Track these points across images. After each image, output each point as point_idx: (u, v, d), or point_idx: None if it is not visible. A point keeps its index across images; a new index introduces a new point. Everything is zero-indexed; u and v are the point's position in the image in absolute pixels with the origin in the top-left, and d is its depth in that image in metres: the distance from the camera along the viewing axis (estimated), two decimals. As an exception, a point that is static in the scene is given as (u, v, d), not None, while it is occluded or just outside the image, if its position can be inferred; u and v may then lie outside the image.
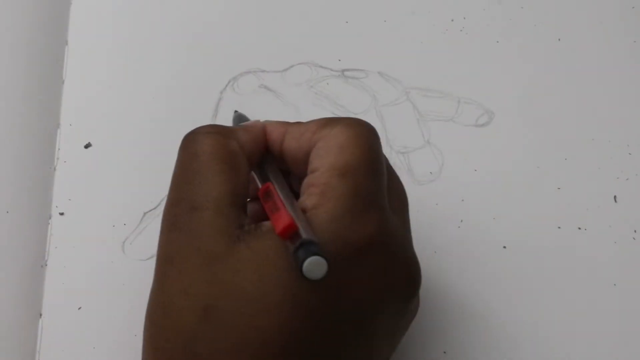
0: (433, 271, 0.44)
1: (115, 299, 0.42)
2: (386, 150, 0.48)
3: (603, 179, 0.48)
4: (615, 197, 0.47)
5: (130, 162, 0.46)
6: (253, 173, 0.36)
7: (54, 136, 0.47)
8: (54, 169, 0.46)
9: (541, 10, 0.53)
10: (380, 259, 0.32)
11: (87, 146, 0.47)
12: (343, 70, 0.50)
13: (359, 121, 0.34)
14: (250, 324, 0.29)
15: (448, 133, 0.48)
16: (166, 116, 0.48)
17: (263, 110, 0.48)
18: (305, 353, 0.30)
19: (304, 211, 0.31)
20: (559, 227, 0.46)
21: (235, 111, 0.45)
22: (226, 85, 0.49)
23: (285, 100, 0.49)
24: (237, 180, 0.33)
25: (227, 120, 0.48)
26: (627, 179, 0.48)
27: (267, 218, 0.33)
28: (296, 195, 0.34)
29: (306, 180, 0.33)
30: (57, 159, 0.46)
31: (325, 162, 0.33)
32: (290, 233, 0.30)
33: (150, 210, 0.45)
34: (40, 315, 0.42)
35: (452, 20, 0.52)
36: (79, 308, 0.42)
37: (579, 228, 0.46)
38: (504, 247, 0.45)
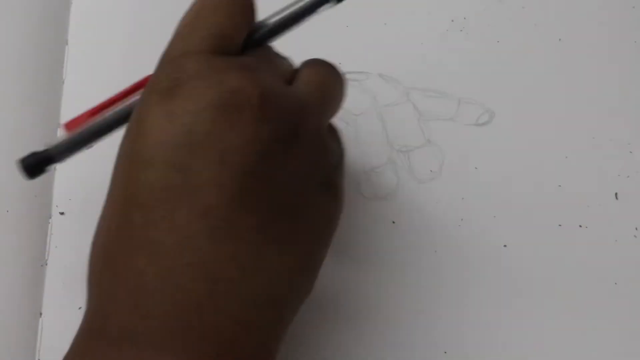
0: (433, 270, 0.44)
1: (115, 297, 0.42)
2: (386, 148, 0.48)
3: (604, 176, 0.48)
4: (616, 194, 0.47)
5: (130, 160, 0.46)
6: None
7: (54, 136, 0.47)
8: (55, 168, 0.46)
9: (542, 10, 0.53)
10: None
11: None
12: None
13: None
14: None
15: (448, 132, 0.48)
16: (166, 116, 0.48)
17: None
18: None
19: None
20: (560, 225, 0.46)
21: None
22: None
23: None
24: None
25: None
26: (628, 177, 0.48)
27: None
28: None
29: None
30: (58, 158, 0.46)
31: None
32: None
33: (149, 206, 0.45)
34: (41, 314, 0.42)
35: (452, 21, 0.52)
36: (79, 307, 0.42)
37: (580, 226, 0.46)
38: (505, 245, 0.45)
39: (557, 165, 0.48)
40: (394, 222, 0.46)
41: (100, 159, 0.46)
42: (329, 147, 0.35)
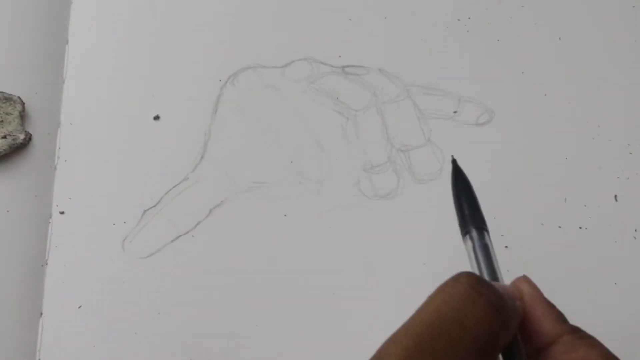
0: (433, 270, 0.44)
1: (116, 297, 0.42)
2: (387, 147, 0.48)
3: (604, 178, 0.48)
4: (616, 196, 0.47)
5: (130, 160, 0.46)
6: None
7: (54, 135, 0.47)
8: (55, 168, 0.46)
9: (542, 9, 0.53)
10: None
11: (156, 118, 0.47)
12: (343, 67, 0.50)
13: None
14: None
15: (448, 131, 0.48)
16: (166, 114, 0.48)
17: (263, 106, 0.48)
18: None
19: None
20: (560, 227, 0.46)
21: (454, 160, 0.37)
22: (226, 81, 0.49)
23: (285, 96, 0.49)
24: None
25: (226, 116, 0.48)
26: (627, 178, 0.48)
27: None
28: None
29: None
30: (58, 158, 0.46)
31: None
32: None
33: (150, 208, 0.45)
34: (41, 313, 0.42)
35: (453, 19, 0.52)
36: (79, 307, 0.42)
37: (580, 227, 0.46)
38: (506, 247, 0.45)
39: (557, 166, 0.48)
40: (394, 222, 0.46)
41: (100, 159, 0.47)
42: None
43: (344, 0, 0.53)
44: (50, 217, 0.44)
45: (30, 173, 0.46)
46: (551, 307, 0.33)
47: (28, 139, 0.46)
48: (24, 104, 0.47)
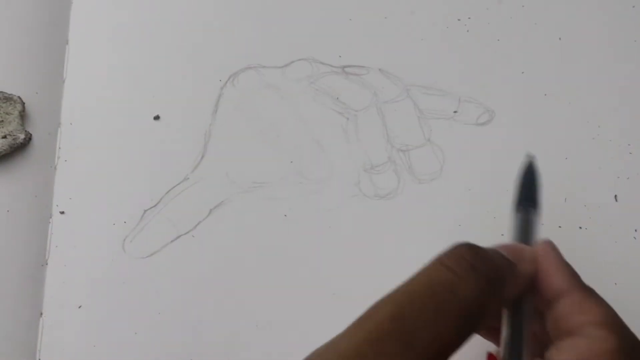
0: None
1: (116, 297, 0.42)
2: (387, 147, 0.48)
3: (603, 178, 0.48)
4: (615, 196, 0.47)
5: (130, 160, 0.46)
6: (505, 326, 0.34)
7: (54, 135, 0.47)
8: (55, 168, 0.46)
9: (542, 9, 0.53)
10: None
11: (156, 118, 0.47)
12: (344, 67, 0.50)
13: None
14: None
15: (449, 131, 0.48)
16: (166, 114, 0.48)
17: (263, 106, 0.48)
18: None
19: None
20: (560, 227, 0.46)
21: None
22: (226, 81, 0.49)
23: (285, 96, 0.49)
24: (460, 341, 0.30)
25: (227, 116, 0.48)
26: (627, 178, 0.48)
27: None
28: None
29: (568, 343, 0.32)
30: (58, 158, 0.46)
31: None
32: None
33: (150, 208, 0.45)
34: (41, 313, 0.42)
35: (453, 19, 0.52)
36: (80, 306, 0.42)
37: (580, 227, 0.46)
38: (505, 246, 0.45)
39: (557, 166, 0.48)
40: (394, 222, 0.46)
41: (100, 159, 0.47)
42: None
43: (344, 0, 0.53)
44: (50, 217, 0.44)
45: (31, 173, 0.46)
46: (565, 264, 0.35)
47: (28, 138, 0.47)
48: (24, 103, 0.47)
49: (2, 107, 0.47)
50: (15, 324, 0.42)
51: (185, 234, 0.44)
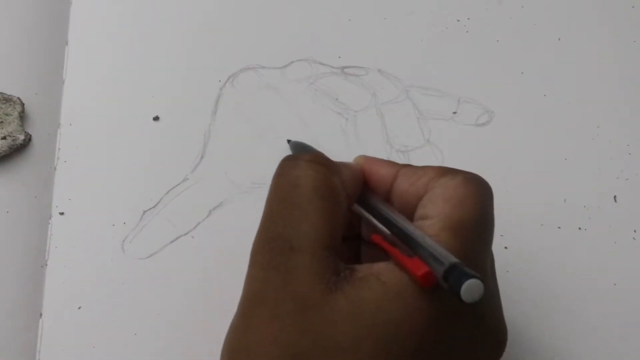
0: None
1: (115, 298, 0.42)
2: (386, 148, 0.48)
3: (603, 178, 0.48)
4: (615, 197, 0.47)
5: (130, 161, 0.46)
6: (362, 211, 0.35)
7: (53, 136, 0.47)
8: (54, 168, 0.46)
9: (542, 9, 0.53)
10: (474, 322, 0.31)
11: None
12: (343, 67, 0.50)
13: (479, 178, 0.34)
14: None
15: (448, 132, 0.48)
16: (166, 114, 0.48)
17: (262, 106, 0.48)
18: None
19: None
20: (559, 227, 0.46)
21: (289, 140, 0.45)
22: (225, 82, 0.49)
23: (284, 97, 0.49)
24: (336, 221, 0.32)
25: (226, 117, 0.48)
26: (627, 179, 0.48)
27: (353, 259, 0.34)
28: None
29: (416, 225, 0.33)
30: (57, 158, 0.46)
31: (440, 212, 0.32)
32: (433, 280, 0.29)
33: (150, 209, 0.45)
34: (41, 314, 0.42)
35: (453, 19, 0.52)
36: (79, 307, 0.42)
37: (579, 228, 0.46)
38: (505, 247, 0.45)
39: (557, 167, 0.48)
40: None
41: (100, 159, 0.47)
42: None
43: (343, 1, 0.53)
44: (50, 218, 0.44)
45: (30, 174, 0.46)
46: (382, 160, 0.37)
47: (28, 139, 0.47)
48: (23, 104, 0.47)
49: (1, 108, 0.47)
50: (15, 325, 0.42)
51: (184, 234, 0.44)
